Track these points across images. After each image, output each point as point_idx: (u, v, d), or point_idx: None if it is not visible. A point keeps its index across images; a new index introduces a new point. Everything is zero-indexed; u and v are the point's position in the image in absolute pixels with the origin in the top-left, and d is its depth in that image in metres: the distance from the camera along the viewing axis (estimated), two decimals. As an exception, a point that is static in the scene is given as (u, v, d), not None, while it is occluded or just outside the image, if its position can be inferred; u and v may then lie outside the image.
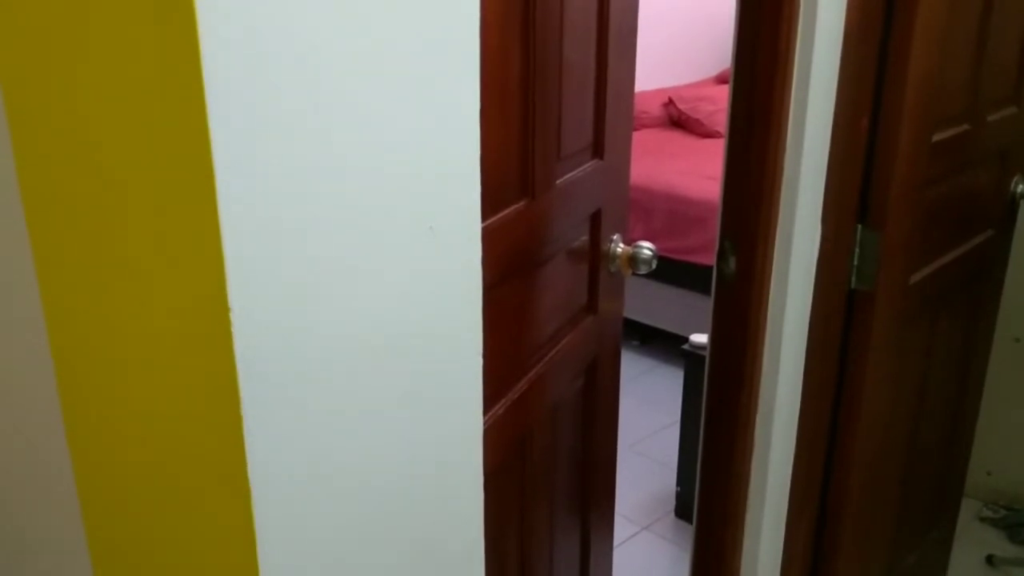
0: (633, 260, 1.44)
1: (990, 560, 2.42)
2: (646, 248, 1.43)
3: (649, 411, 3.27)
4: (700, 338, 2.40)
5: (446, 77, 0.77)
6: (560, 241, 1.29)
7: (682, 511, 2.63)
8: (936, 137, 1.57)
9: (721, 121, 3.80)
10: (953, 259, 1.79)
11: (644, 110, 4.62)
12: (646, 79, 4.73)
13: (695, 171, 3.63)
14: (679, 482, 2.64)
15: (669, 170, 3.71)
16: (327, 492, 0.77)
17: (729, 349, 1.60)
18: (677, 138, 4.40)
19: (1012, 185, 1.94)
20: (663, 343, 3.66)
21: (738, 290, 1.54)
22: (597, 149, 1.37)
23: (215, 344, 0.66)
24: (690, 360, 2.49)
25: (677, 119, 4.58)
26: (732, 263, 1.53)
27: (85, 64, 0.66)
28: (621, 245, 1.45)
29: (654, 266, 1.44)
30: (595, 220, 1.40)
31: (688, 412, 2.55)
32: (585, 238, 1.39)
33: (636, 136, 4.46)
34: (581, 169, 1.32)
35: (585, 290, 1.43)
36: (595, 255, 1.42)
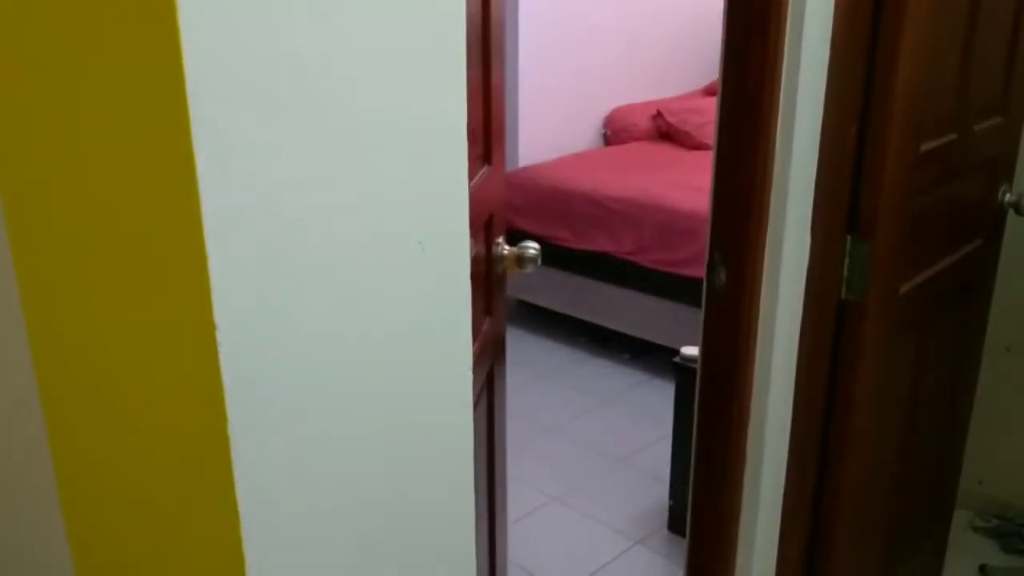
0: (520, 259, 1.51)
1: (983, 570, 2.42)
2: (531, 247, 1.51)
3: (641, 424, 3.27)
4: (691, 351, 2.39)
5: (433, 90, 0.77)
6: (473, 247, 1.33)
7: (675, 525, 2.62)
8: (924, 147, 1.57)
9: (710, 133, 3.81)
10: (943, 269, 1.79)
11: (633, 122, 4.64)
12: (635, 92, 4.75)
13: (684, 183, 3.63)
14: (672, 496, 2.63)
15: (658, 182, 3.71)
16: (315, 508, 0.76)
17: (720, 361, 1.59)
18: (666, 150, 4.41)
19: (1000, 194, 1.94)
20: (654, 356, 3.66)
21: (728, 302, 1.54)
22: (487, 156, 1.43)
23: (201, 360, 0.65)
24: (681, 373, 2.48)
25: (666, 131, 4.59)
26: (722, 275, 1.53)
27: (68, 70, 0.65)
28: (506, 247, 1.52)
29: (539, 263, 1.52)
30: (488, 224, 1.45)
31: (680, 425, 2.54)
32: (481, 244, 1.44)
33: (625, 149, 4.48)
34: (480, 176, 1.36)
35: (483, 294, 1.47)
36: (489, 258, 1.48)
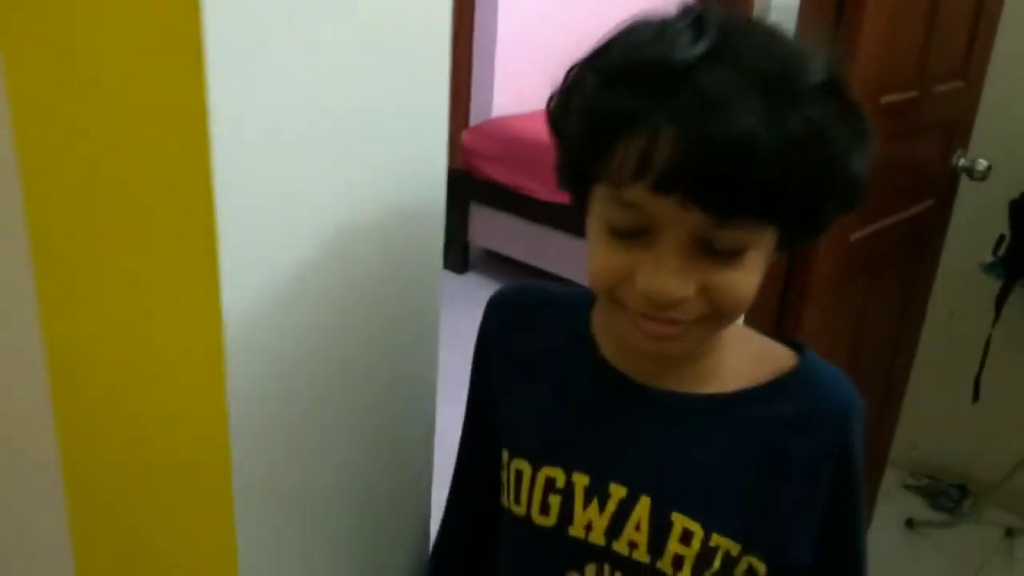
0: None
1: (909, 523, 2.51)
2: None
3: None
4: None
5: (416, 82, 0.78)
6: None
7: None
8: (884, 99, 1.62)
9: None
10: (894, 222, 1.85)
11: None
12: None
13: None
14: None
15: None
16: (308, 496, 0.78)
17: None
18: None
19: (954, 159, 2.00)
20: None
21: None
22: None
23: (207, 351, 0.66)
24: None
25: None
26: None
27: (89, 64, 0.66)
28: None
29: None
30: None
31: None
32: None
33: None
34: None
35: None
36: None
